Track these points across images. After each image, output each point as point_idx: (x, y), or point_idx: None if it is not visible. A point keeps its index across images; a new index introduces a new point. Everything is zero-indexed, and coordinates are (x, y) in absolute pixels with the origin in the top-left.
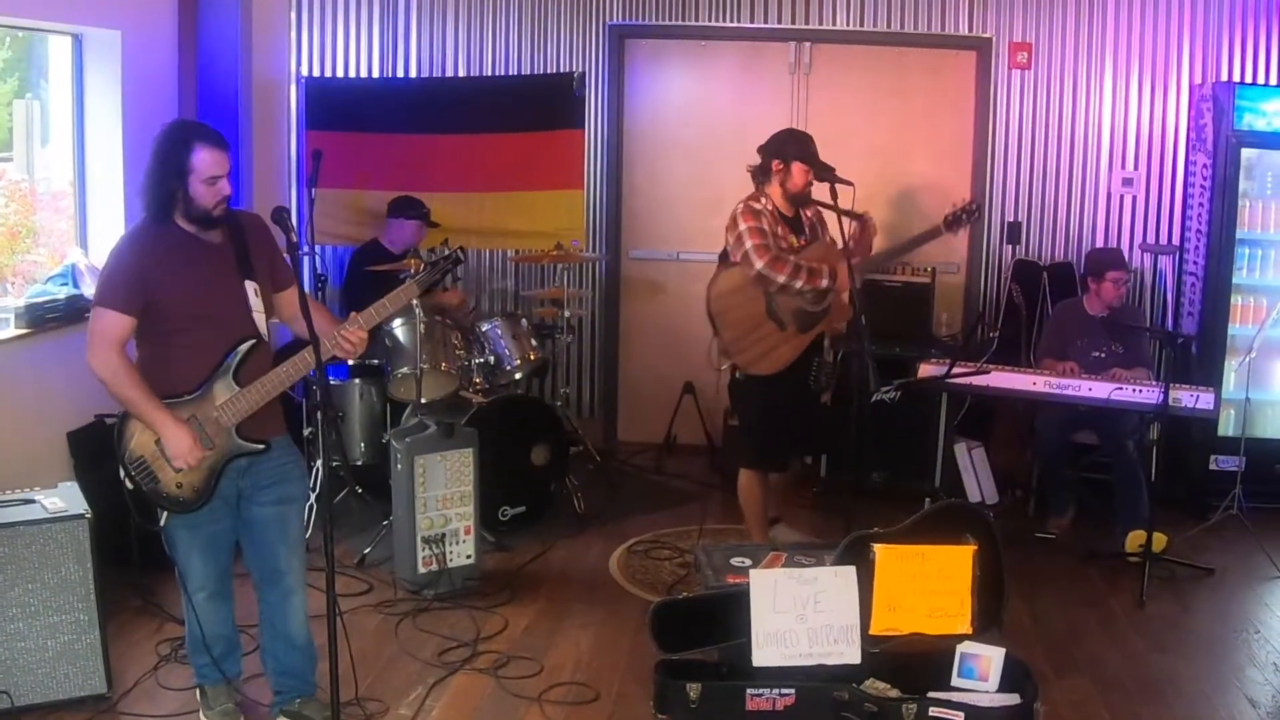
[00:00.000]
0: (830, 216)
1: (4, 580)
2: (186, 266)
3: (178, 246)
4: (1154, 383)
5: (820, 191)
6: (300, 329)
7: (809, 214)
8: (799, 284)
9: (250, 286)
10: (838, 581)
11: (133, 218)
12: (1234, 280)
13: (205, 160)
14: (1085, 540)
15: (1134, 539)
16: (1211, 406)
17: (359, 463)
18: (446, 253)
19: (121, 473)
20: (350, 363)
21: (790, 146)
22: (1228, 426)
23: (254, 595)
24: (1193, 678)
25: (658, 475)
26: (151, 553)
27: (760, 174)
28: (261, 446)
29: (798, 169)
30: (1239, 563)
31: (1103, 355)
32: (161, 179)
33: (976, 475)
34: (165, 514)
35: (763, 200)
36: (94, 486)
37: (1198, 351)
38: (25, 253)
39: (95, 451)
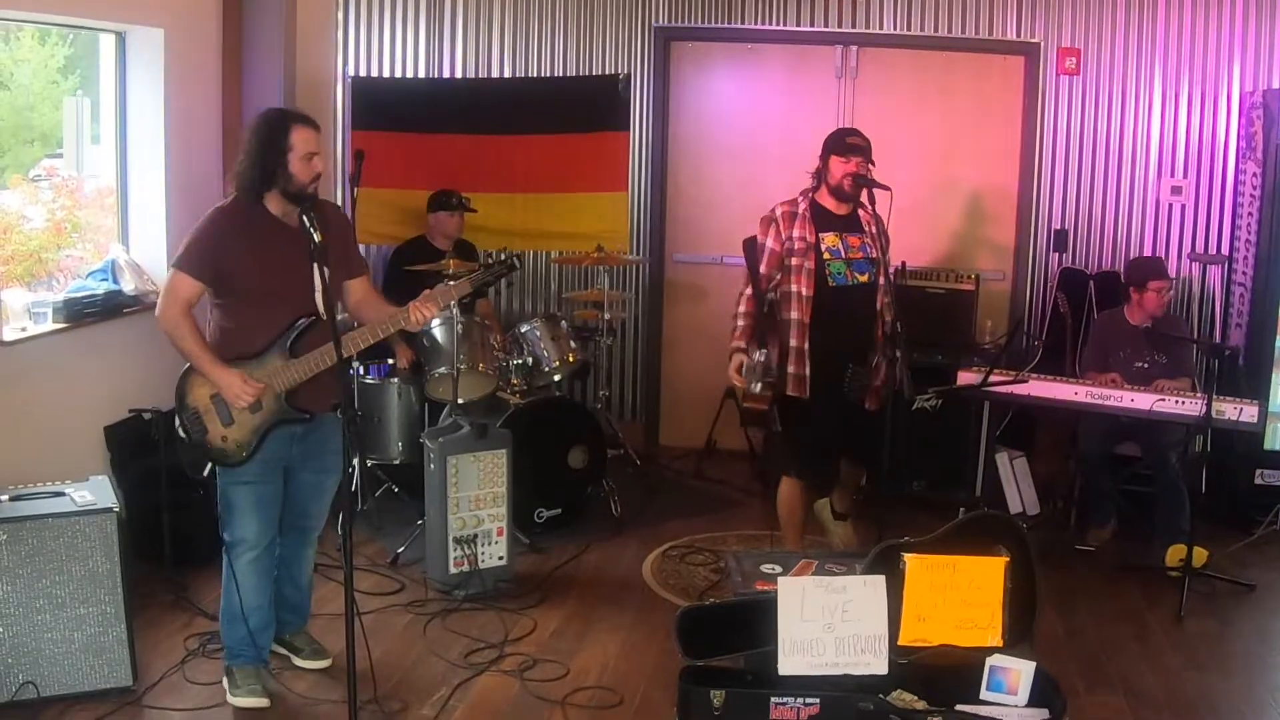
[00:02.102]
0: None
1: (32, 572)
2: (262, 244)
3: (258, 225)
4: (1197, 394)
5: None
6: (363, 317)
7: (868, 216)
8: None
9: (319, 271)
10: (867, 591)
11: (174, 214)
12: None
13: (303, 138)
14: (1125, 553)
15: (1174, 553)
16: (1256, 419)
17: (396, 462)
18: (503, 257)
19: (176, 422)
20: (390, 361)
21: (826, 143)
22: (1274, 440)
23: None
24: (1229, 696)
25: (697, 480)
26: (184, 547)
27: (815, 178)
28: (307, 415)
29: (834, 163)
30: None
31: (1146, 366)
32: (261, 159)
33: (1018, 485)
34: (219, 475)
35: (800, 201)
36: (130, 481)
37: (1245, 363)
38: (70, 248)
39: (131, 446)
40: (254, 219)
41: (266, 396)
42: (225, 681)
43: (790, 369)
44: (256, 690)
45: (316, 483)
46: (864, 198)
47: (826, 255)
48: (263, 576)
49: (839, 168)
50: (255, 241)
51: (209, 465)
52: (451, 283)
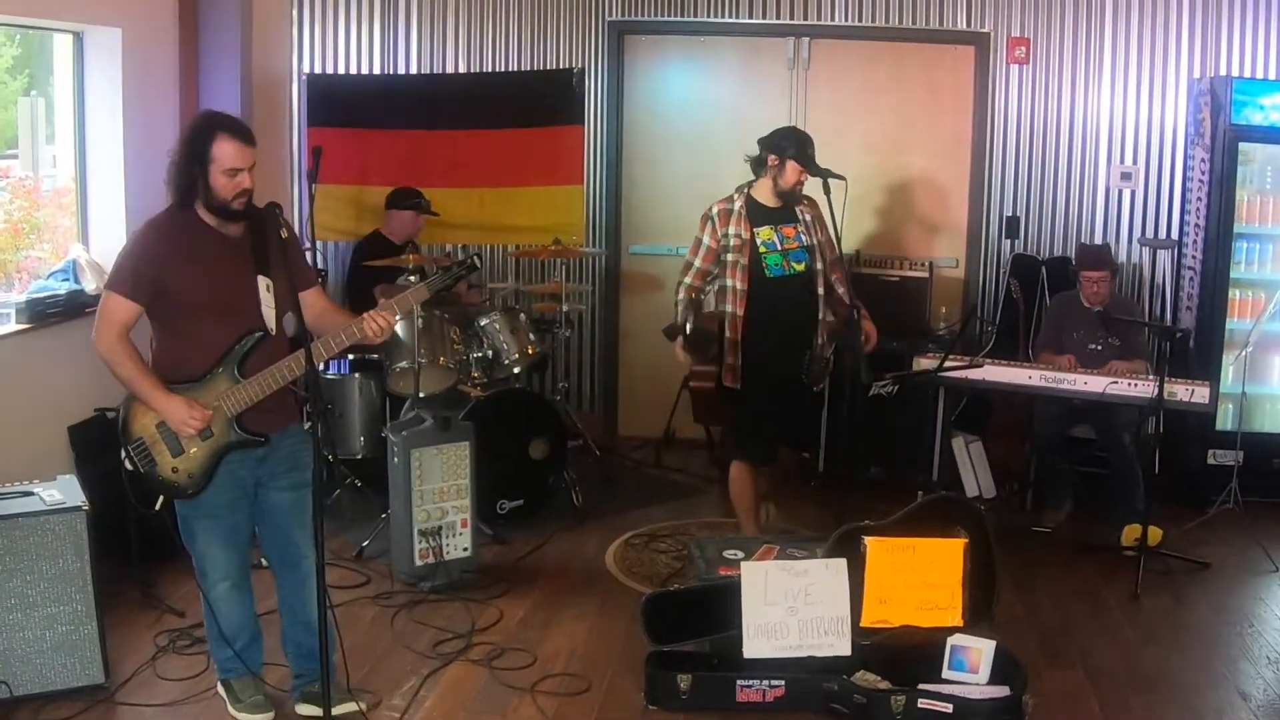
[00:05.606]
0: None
1: (2, 572)
2: (200, 256)
3: (195, 236)
4: (1150, 376)
5: (814, 188)
6: (322, 331)
7: (804, 208)
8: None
9: (263, 282)
10: (828, 574)
11: (134, 213)
12: (1232, 274)
13: (226, 151)
14: (1081, 533)
15: (1129, 533)
16: (1207, 400)
17: (358, 456)
18: (462, 259)
19: (122, 454)
20: (351, 357)
21: (788, 144)
22: (1225, 421)
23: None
24: (1185, 670)
25: (656, 469)
26: (151, 545)
27: (756, 165)
28: (261, 440)
29: (791, 168)
30: (1235, 557)
31: (1099, 348)
32: (185, 165)
33: (974, 469)
34: (178, 505)
35: (737, 198)
36: (95, 480)
37: (1195, 346)
38: (29, 249)
39: (96, 445)
40: (189, 228)
41: (217, 422)
42: (224, 694)
43: (726, 359)
44: (260, 702)
45: (295, 501)
46: (820, 189)
47: (762, 249)
48: (244, 598)
49: (795, 174)
50: (193, 251)
51: (160, 499)
52: (410, 289)
